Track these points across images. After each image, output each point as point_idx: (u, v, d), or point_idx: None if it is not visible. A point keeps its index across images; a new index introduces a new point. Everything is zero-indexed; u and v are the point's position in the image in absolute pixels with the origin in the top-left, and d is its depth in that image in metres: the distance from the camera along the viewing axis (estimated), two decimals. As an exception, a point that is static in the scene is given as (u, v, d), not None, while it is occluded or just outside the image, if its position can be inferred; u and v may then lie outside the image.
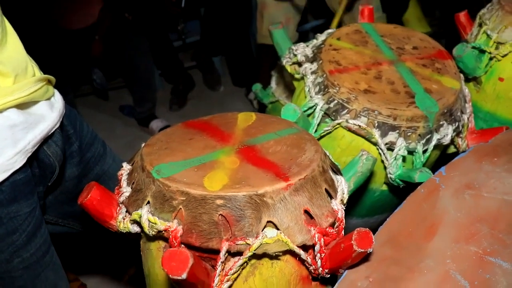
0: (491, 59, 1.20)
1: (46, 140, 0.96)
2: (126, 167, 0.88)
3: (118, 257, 1.95)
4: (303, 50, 1.13)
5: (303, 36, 2.78)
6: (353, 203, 1.16)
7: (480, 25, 1.26)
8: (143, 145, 0.88)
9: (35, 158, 0.95)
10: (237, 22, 3.12)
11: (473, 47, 1.21)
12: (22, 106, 0.89)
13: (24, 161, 0.88)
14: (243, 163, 0.78)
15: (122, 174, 0.87)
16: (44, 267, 0.99)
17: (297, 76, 1.15)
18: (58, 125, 0.98)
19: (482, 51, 1.22)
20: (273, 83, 1.62)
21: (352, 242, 0.68)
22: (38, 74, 0.95)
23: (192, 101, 3.33)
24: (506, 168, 0.93)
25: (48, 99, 0.97)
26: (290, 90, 1.34)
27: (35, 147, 0.91)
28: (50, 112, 0.96)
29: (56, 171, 1.02)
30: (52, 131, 0.96)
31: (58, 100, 1.01)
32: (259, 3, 2.22)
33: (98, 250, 1.98)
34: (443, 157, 1.17)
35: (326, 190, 0.76)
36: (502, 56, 1.17)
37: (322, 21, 3.04)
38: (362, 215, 1.22)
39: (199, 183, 0.73)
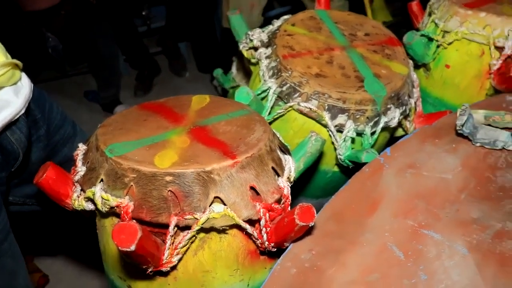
0: (438, 46, 1.26)
1: (10, 126, 0.94)
2: (81, 147, 0.90)
3: (79, 245, 1.96)
4: (258, 35, 1.16)
5: (268, 23, 2.79)
6: (306, 184, 1.20)
7: (430, 14, 1.32)
8: (99, 125, 0.90)
9: None
10: (203, 8, 3.11)
11: (422, 35, 1.26)
12: None
13: None
14: (193, 142, 0.80)
15: (77, 154, 0.89)
16: (1, 254, 0.97)
17: (253, 60, 1.18)
18: (23, 111, 0.96)
19: (430, 39, 1.27)
20: (233, 69, 1.64)
21: (295, 216, 0.71)
22: (4, 58, 0.92)
23: (157, 87, 3.32)
24: (446, 148, 0.98)
25: (14, 83, 0.95)
26: (249, 76, 1.37)
27: None
28: (15, 98, 0.94)
29: (20, 158, 1.00)
30: (16, 117, 0.94)
31: (25, 84, 0.99)
32: None
33: (58, 239, 1.98)
34: (392, 140, 1.22)
35: (273, 168, 0.80)
36: (448, 44, 1.23)
37: (288, 8, 3.07)
38: (316, 196, 1.26)
39: (149, 161, 0.75)
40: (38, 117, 1.07)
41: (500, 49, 1.17)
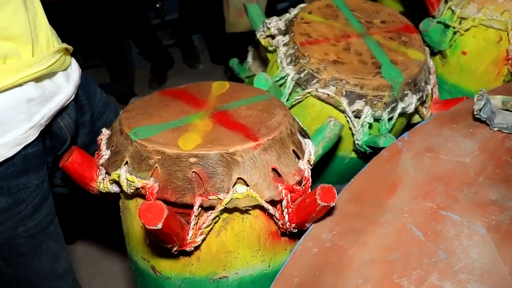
0: (455, 33, 1.26)
1: (60, 112, 0.95)
2: (105, 132, 0.92)
3: (101, 229, 1.99)
4: (276, 23, 1.17)
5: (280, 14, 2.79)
6: (324, 171, 1.22)
7: (446, 1, 1.32)
8: (121, 111, 0.92)
9: (48, 130, 0.94)
10: (215, 0, 3.12)
11: (439, 22, 1.27)
12: (40, 78, 0.87)
13: (37, 135, 0.87)
14: (216, 125, 0.82)
15: (101, 139, 0.91)
16: (47, 237, 0.99)
17: (270, 48, 1.19)
18: (73, 97, 0.97)
19: (447, 26, 1.27)
20: (249, 58, 1.65)
21: (316, 196, 0.73)
22: (57, 43, 0.93)
23: (171, 79, 3.35)
24: (463, 133, 0.99)
25: (65, 69, 0.95)
26: (265, 64, 1.38)
27: (49, 121, 0.90)
28: (66, 83, 0.94)
29: (67, 143, 1.01)
30: (67, 103, 0.95)
31: (74, 70, 1.00)
32: None
33: (81, 223, 2.01)
34: (409, 126, 1.23)
35: (293, 151, 0.82)
36: (465, 31, 1.23)
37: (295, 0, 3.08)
38: (334, 182, 1.27)
39: (174, 143, 0.77)
40: (84, 102, 1.08)
41: (517, 34, 1.17)
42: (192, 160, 0.75)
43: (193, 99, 0.93)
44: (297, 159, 0.83)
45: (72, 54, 1.02)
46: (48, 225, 0.98)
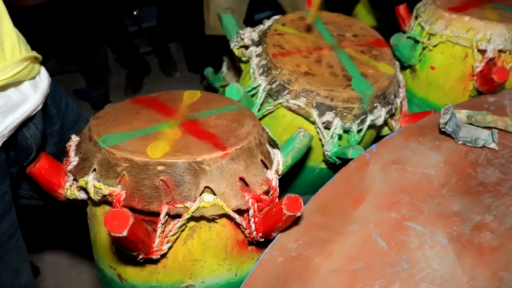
0: (424, 49, 1.29)
1: (26, 122, 0.91)
2: (74, 138, 0.92)
3: (69, 237, 1.96)
4: (249, 34, 1.19)
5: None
6: (293, 181, 1.23)
7: (416, 17, 1.35)
8: (92, 117, 0.92)
9: (13, 141, 0.89)
10: (193, 9, 3.13)
11: (408, 37, 1.30)
12: (4, 87, 0.83)
13: None
14: (185, 134, 0.83)
15: (70, 145, 0.91)
16: (7, 250, 0.94)
17: (243, 59, 1.21)
18: (40, 106, 0.92)
19: (417, 41, 1.31)
20: (224, 68, 1.67)
21: (283, 206, 0.74)
22: (25, 51, 0.88)
23: (147, 87, 3.33)
24: (429, 146, 1.01)
25: (33, 78, 0.91)
26: (239, 74, 1.39)
27: (13, 131, 0.85)
28: (33, 93, 0.90)
29: (33, 154, 0.97)
30: (33, 113, 0.90)
31: (43, 78, 0.94)
32: None
33: (49, 231, 1.98)
34: (378, 138, 1.25)
35: (261, 160, 0.82)
36: (433, 46, 1.27)
37: (276, 11, 3.11)
38: (304, 192, 1.28)
39: (142, 151, 0.77)
40: (53, 112, 1.05)
41: (482, 52, 1.21)
42: (160, 168, 0.75)
43: (164, 107, 0.93)
44: (265, 169, 0.83)
45: (47, 59, 1.00)
46: (10, 239, 0.93)
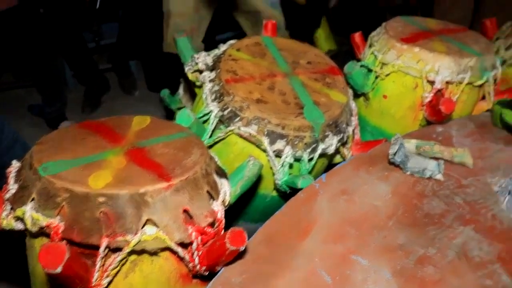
0: (376, 77, 1.32)
1: None
2: (15, 164, 0.88)
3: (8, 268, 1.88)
4: (204, 58, 1.18)
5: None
6: (245, 208, 1.22)
7: (370, 46, 1.38)
8: (36, 142, 0.88)
9: None
10: (154, 27, 3.11)
11: (362, 66, 1.32)
12: None
13: None
14: (129, 163, 0.80)
15: (10, 172, 0.87)
16: None
17: (197, 83, 1.19)
18: None
19: (370, 70, 1.33)
20: (180, 90, 1.65)
21: (226, 240, 0.72)
22: None
23: (106, 104, 3.27)
24: (378, 176, 1.02)
25: None
26: (195, 97, 1.38)
27: None
28: None
29: None
30: None
31: None
32: (165, 13, 2.21)
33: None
34: (330, 166, 1.25)
35: (208, 191, 0.81)
36: (386, 75, 1.29)
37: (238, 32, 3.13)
38: (256, 219, 1.27)
39: (83, 181, 0.75)
40: None
41: (431, 83, 1.24)
42: (101, 199, 0.72)
43: (112, 133, 0.91)
44: (211, 199, 0.82)
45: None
46: None
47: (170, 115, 1.72)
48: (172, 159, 0.82)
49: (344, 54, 3.48)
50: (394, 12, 3.73)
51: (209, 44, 2.93)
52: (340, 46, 3.51)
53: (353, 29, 3.34)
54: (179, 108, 1.65)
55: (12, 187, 0.82)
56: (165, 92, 1.67)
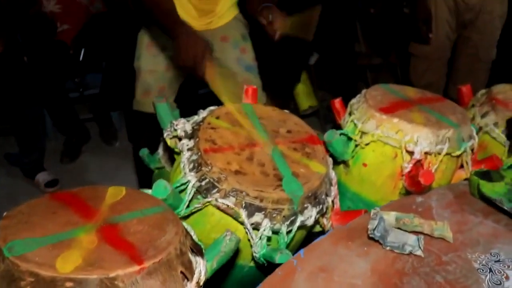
0: (356, 146, 1.32)
1: None
2: (-20, 239, 0.84)
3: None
4: (183, 125, 1.17)
5: (201, 100, 2.79)
6: (223, 279, 1.18)
7: (350, 114, 1.39)
8: (4, 214, 0.85)
9: None
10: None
11: (342, 134, 1.33)
12: None
13: None
14: (101, 243, 0.78)
15: (-26, 247, 0.83)
16: None
17: (176, 150, 1.18)
18: None
19: (350, 138, 1.33)
20: (160, 150, 1.63)
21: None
22: None
23: (85, 154, 3.24)
24: (358, 252, 1.01)
25: None
26: (174, 158, 1.37)
27: None
28: None
29: None
30: None
31: None
32: (135, 70, 2.12)
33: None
34: (309, 234, 1.24)
35: (182, 272, 0.78)
36: (365, 145, 1.30)
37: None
38: (233, 290, 1.24)
39: (51, 264, 0.71)
40: None
41: (410, 153, 1.24)
42: (68, 284, 0.69)
43: (84, 207, 0.88)
44: (185, 280, 0.79)
45: None
46: None
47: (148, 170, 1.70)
48: (145, 238, 0.80)
49: (325, 109, 3.54)
50: (374, 69, 3.84)
51: (191, 99, 2.95)
52: (321, 102, 3.57)
53: (333, 85, 3.41)
54: (158, 168, 1.64)
55: (-25, 266, 0.79)
56: (144, 152, 1.65)
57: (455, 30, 2.68)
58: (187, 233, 0.88)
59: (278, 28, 1.46)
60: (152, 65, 2.05)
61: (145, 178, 2.23)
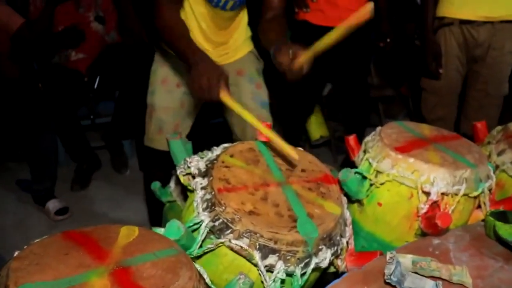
0: (371, 185, 1.30)
1: None
2: (-11, 279, 0.83)
3: None
4: (196, 163, 1.16)
5: (213, 130, 2.79)
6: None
7: (364, 152, 1.37)
8: (15, 254, 0.84)
9: None
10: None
11: (356, 173, 1.31)
12: None
13: None
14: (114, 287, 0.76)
15: (-17, 288, 0.82)
16: None
17: (189, 187, 1.17)
18: None
19: (364, 177, 1.31)
20: (172, 183, 1.62)
21: None
22: None
23: (96, 182, 3.24)
24: (374, 298, 0.98)
25: None
26: (186, 193, 1.35)
27: None
28: None
29: None
30: None
31: None
32: (148, 106, 2.07)
33: None
34: (323, 274, 1.21)
35: (194, 321, 0.76)
36: (380, 184, 1.28)
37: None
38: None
39: (61, 311, 0.70)
40: None
41: (427, 193, 1.22)
42: (80, 332, 0.68)
43: (96, 248, 0.87)
44: (199, 328, 0.77)
45: None
46: None
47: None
48: (159, 284, 0.78)
49: (337, 140, 3.53)
50: (386, 101, 3.84)
51: (202, 128, 2.95)
52: (333, 133, 3.56)
53: (345, 116, 3.40)
54: (170, 202, 1.63)
55: (-15, 307, 0.77)
56: (156, 185, 1.65)
57: (465, 65, 2.67)
58: (201, 277, 0.87)
59: (303, 62, 1.43)
60: (167, 101, 2.00)
61: (155, 208, 2.22)
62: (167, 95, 2.00)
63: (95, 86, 3.19)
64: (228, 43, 2.04)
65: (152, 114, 2.03)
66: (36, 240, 0.90)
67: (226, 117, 2.15)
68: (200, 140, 1.72)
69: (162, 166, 1.66)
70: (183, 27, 1.65)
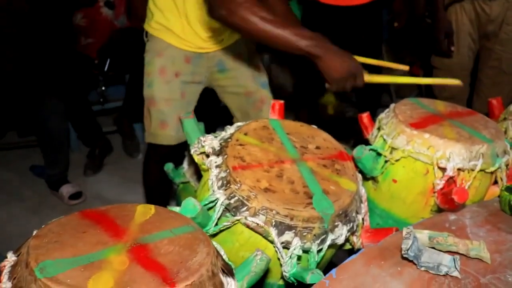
0: (386, 161, 1.29)
1: None
2: (10, 258, 0.83)
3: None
4: (210, 142, 1.16)
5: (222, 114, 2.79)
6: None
7: (379, 129, 1.36)
8: (34, 233, 0.85)
9: None
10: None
11: (371, 150, 1.30)
12: None
13: None
14: (132, 264, 0.77)
15: (4, 266, 0.82)
16: None
17: (203, 166, 1.17)
18: None
19: (379, 154, 1.30)
20: (185, 164, 1.62)
21: None
22: None
23: (108, 167, 3.26)
24: (391, 272, 0.98)
25: None
26: (199, 173, 1.35)
27: None
28: None
29: None
30: None
31: None
32: (146, 99, 1.98)
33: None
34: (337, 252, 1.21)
35: (213, 295, 0.77)
36: (396, 161, 1.27)
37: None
38: (261, 307, 1.22)
39: (82, 286, 0.71)
40: None
41: (443, 169, 1.21)
42: (100, 308, 0.68)
43: (113, 225, 0.87)
44: (217, 302, 0.77)
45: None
46: None
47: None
48: (177, 259, 0.78)
49: (348, 120, 3.51)
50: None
51: (212, 112, 2.95)
52: (344, 113, 3.54)
53: (357, 97, 3.36)
54: (183, 183, 1.63)
55: (6, 284, 0.78)
56: (169, 166, 1.65)
57: (477, 42, 2.63)
58: (218, 253, 0.87)
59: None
60: (167, 93, 1.91)
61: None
62: (166, 86, 1.92)
63: (105, 69, 3.18)
64: (222, 28, 1.98)
65: (152, 107, 1.95)
66: (54, 220, 0.91)
67: (226, 102, 2.11)
68: (211, 123, 1.70)
69: (167, 162, 1.63)
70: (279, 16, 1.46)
